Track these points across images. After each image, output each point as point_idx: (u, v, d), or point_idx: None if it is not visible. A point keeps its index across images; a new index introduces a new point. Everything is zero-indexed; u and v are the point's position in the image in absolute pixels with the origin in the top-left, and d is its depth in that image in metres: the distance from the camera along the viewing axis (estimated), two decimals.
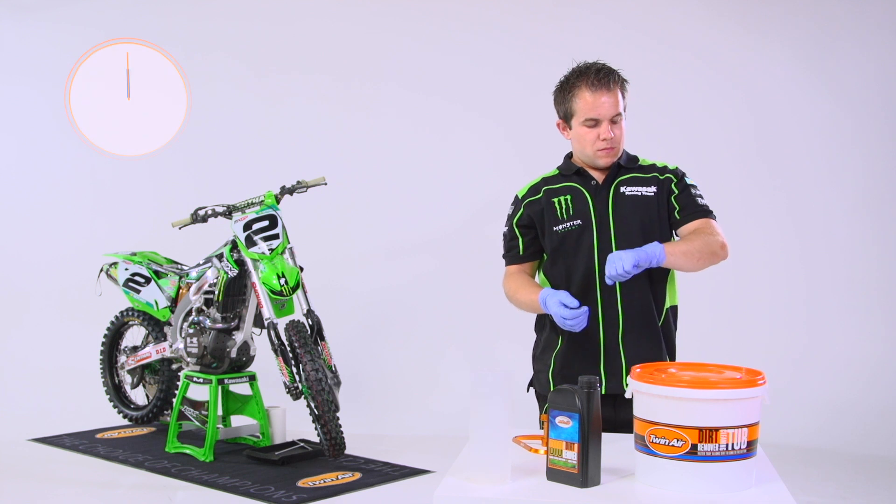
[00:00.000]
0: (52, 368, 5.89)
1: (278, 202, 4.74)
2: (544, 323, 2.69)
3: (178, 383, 5.11)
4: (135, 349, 5.29)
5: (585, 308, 2.42)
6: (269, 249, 4.53)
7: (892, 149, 5.80)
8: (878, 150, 5.80)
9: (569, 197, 2.62)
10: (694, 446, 1.82)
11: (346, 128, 6.18)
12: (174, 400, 4.95)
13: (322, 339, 4.56)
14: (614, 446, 2.07)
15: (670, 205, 2.59)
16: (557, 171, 2.68)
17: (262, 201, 4.73)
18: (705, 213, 2.60)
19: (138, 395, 5.44)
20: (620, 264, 2.33)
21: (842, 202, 5.82)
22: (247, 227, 4.60)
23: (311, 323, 4.57)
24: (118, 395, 5.42)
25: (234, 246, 4.70)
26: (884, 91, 5.80)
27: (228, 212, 4.78)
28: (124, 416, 5.35)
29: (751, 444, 1.86)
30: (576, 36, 5.90)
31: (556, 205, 2.62)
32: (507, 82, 6.02)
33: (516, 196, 2.70)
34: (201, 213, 4.87)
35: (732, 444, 1.82)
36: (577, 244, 2.58)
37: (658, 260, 2.39)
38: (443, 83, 6.12)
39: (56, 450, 4.91)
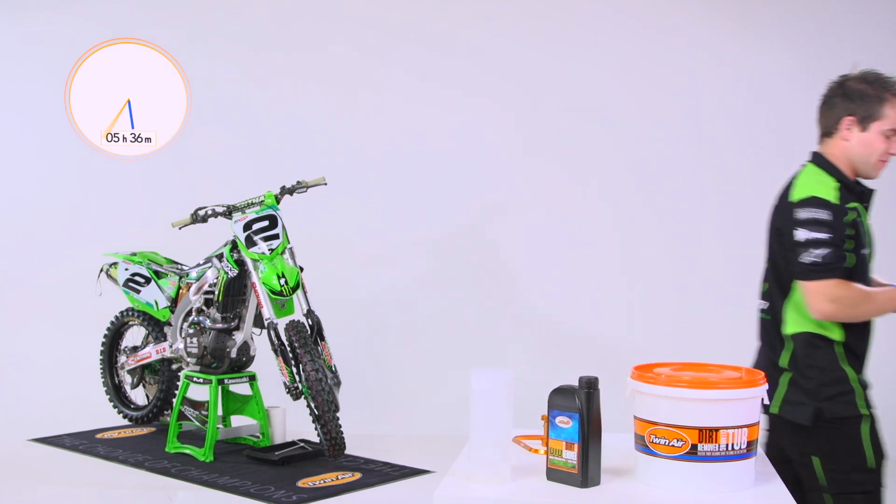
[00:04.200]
0: (52, 369, 5.89)
1: (278, 202, 4.74)
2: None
3: (178, 383, 5.11)
4: (135, 349, 5.28)
5: None
6: (269, 249, 4.53)
7: None
8: None
9: (867, 222, 2.51)
10: (694, 446, 1.82)
11: (347, 128, 6.17)
12: (174, 400, 4.94)
13: (322, 339, 4.55)
14: (614, 446, 2.07)
15: None
16: (837, 183, 2.44)
17: (262, 201, 4.73)
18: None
19: (138, 395, 5.44)
20: None
21: None
22: (247, 227, 4.60)
23: (311, 323, 4.56)
24: (118, 395, 5.42)
25: (234, 246, 4.70)
26: None
27: (228, 212, 4.78)
28: (124, 416, 5.35)
29: (751, 444, 1.86)
30: (575, 36, 5.88)
31: (864, 227, 2.47)
32: (507, 88, 6.00)
33: (828, 201, 2.38)
34: (201, 213, 4.87)
35: (732, 444, 1.82)
36: (866, 273, 2.49)
37: None
38: (443, 84, 6.11)
39: (56, 450, 4.90)
